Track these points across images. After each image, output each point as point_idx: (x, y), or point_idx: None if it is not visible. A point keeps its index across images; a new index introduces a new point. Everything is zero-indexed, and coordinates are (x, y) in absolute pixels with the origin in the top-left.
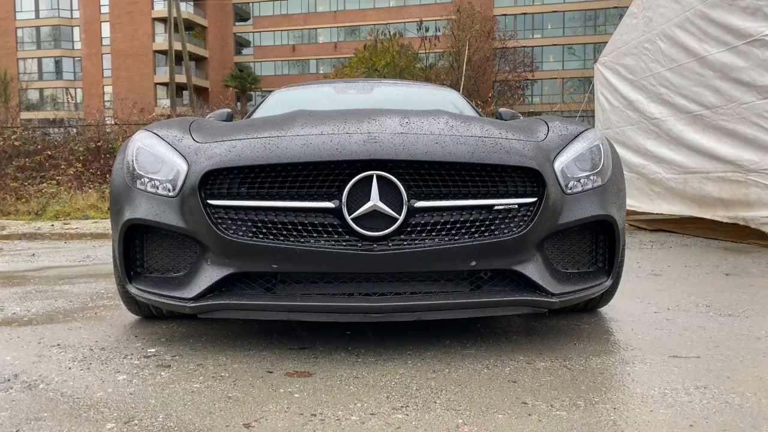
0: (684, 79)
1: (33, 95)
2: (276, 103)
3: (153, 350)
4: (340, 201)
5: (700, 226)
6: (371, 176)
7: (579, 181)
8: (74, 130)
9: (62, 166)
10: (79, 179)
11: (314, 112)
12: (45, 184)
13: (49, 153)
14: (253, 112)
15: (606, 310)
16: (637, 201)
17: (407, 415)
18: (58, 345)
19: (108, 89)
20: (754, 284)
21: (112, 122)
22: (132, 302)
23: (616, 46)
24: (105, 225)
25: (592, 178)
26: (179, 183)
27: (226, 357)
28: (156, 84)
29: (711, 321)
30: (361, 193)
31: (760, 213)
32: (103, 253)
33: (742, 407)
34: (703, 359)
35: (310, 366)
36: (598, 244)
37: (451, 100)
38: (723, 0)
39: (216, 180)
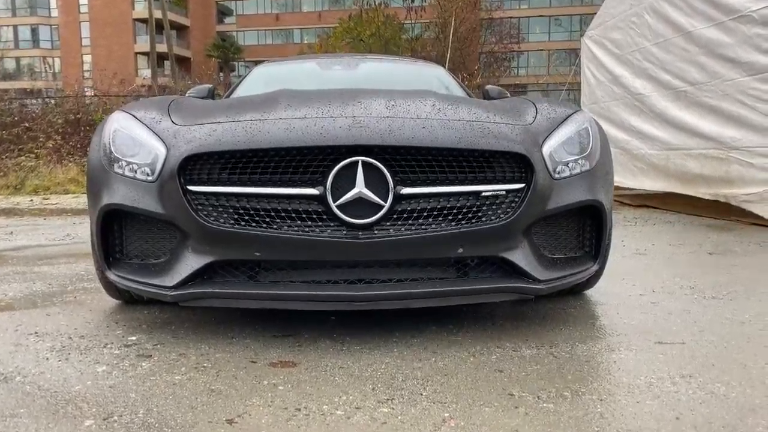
0: (669, 55)
1: (9, 64)
2: (258, 79)
3: (134, 338)
4: (325, 187)
5: (683, 203)
6: (356, 162)
7: (567, 165)
8: (53, 101)
9: (41, 139)
10: (59, 152)
11: (297, 92)
12: (23, 158)
13: (27, 125)
14: (234, 89)
15: (592, 292)
16: (621, 177)
17: (393, 408)
18: (36, 333)
19: (87, 58)
20: (737, 264)
21: (92, 93)
22: (112, 287)
23: (604, 20)
24: (86, 200)
25: (580, 162)
26: (158, 167)
27: (208, 346)
28: (136, 54)
29: (695, 304)
30: (346, 179)
31: (740, 190)
32: (84, 231)
33: (728, 397)
34: (688, 345)
35: (295, 355)
36: (585, 229)
37: (439, 77)
38: None
39: (196, 165)
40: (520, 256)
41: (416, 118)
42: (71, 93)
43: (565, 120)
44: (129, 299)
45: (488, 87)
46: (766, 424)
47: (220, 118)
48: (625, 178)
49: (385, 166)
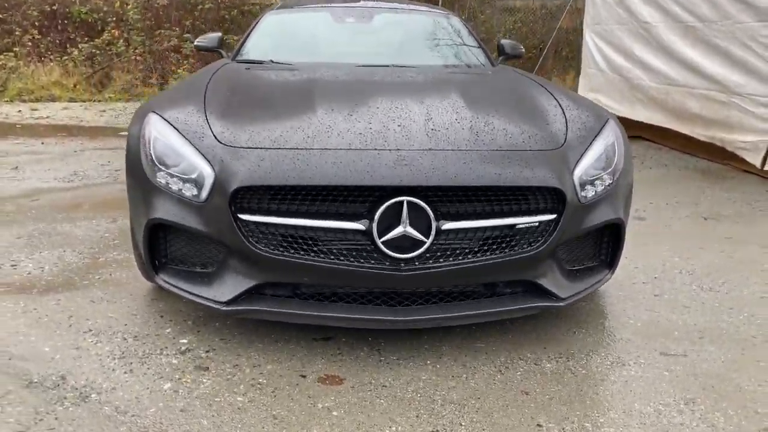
0: None
1: None
2: (269, 30)
3: (185, 341)
4: (371, 222)
5: (677, 138)
6: (402, 201)
7: (593, 183)
8: None
9: (17, 33)
10: (38, 48)
11: (333, 91)
12: (2, 56)
13: (0, 16)
14: (246, 40)
15: None
16: (618, 104)
17: None
18: (90, 330)
19: None
20: (731, 236)
21: None
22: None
23: None
24: (76, 113)
25: (605, 177)
26: (206, 190)
27: (257, 353)
28: None
29: (694, 299)
30: (390, 214)
31: (738, 137)
32: (89, 167)
33: (725, 430)
34: (690, 359)
35: (338, 367)
36: (603, 240)
37: (455, 30)
38: None
39: (246, 195)
40: (547, 279)
41: (456, 149)
42: None
43: (595, 137)
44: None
45: (503, 41)
46: None
47: (264, 138)
48: (622, 106)
49: (427, 204)
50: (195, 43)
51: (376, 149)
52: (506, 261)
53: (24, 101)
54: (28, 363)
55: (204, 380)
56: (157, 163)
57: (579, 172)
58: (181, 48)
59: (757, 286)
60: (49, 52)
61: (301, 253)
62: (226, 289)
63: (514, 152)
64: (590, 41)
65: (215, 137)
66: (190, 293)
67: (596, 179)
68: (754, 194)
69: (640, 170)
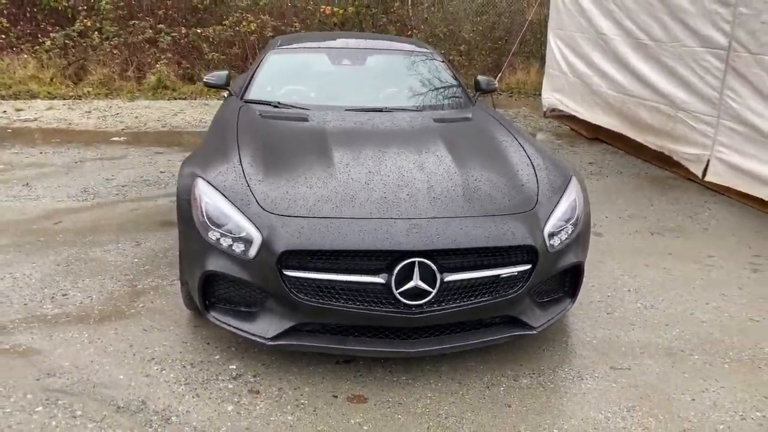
0: (635, 4)
1: None
2: (273, 69)
3: (233, 367)
4: (390, 277)
5: (632, 144)
6: (414, 262)
7: (559, 234)
8: None
9: None
10: (7, 37)
11: (348, 154)
12: None
13: None
14: (252, 77)
15: None
16: (579, 106)
17: None
18: (153, 359)
19: None
20: (672, 251)
21: None
22: (189, 301)
23: None
24: (62, 113)
25: (568, 228)
26: (254, 249)
27: (295, 377)
28: None
29: (639, 316)
30: (405, 270)
31: (682, 148)
32: (95, 182)
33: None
34: (632, 371)
35: (362, 388)
36: (567, 277)
37: (438, 69)
38: None
39: (290, 256)
40: (524, 314)
41: (454, 216)
42: None
43: (562, 194)
44: (198, 310)
45: (479, 78)
46: None
47: (300, 207)
48: (583, 109)
49: (433, 263)
50: (204, 80)
51: (392, 218)
52: (493, 303)
53: (2, 97)
54: (110, 390)
55: (258, 402)
56: (209, 224)
57: (548, 228)
58: (157, 41)
59: (688, 303)
60: (20, 41)
61: (334, 300)
62: (270, 326)
63: (498, 216)
64: (554, 44)
65: (259, 204)
66: (238, 329)
67: (562, 230)
68: (695, 205)
69: (598, 179)
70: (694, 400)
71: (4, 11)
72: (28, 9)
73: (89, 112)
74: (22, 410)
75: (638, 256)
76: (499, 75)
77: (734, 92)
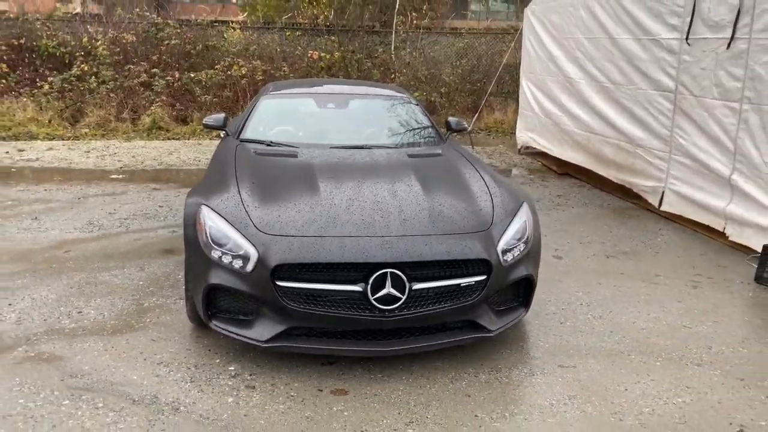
0: (597, 51)
1: None
2: (266, 112)
3: (232, 368)
4: (366, 285)
5: (598, 178)
6: (387, 272)
7: (512, 251)
8: None
9: None
10: (6, 81)
11: (332, 186)
12: None
13: None
14: (247, 119)
15: None
16: (550, 143)
17: (414, 429)
18: (162, 363)
19: None
20: (624, 272)
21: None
22: (193, 314)
23: None
24: (62, 153)
25: (520, 246)
26: (251, 264)
27: (285, 375)
28: None
29: (587, 324)
30: (378, 280)
31: (641, 181)
32: (99, 216)
33: (591, 414)
34: (577, 369)
35: (343, 383)
36: (521, 288)
37: (413, 112)
38: None
39: (282, 268)
40: (482, 318)
41: (420, 234)
42: (13, 14)
43: (513, 217)
44: (201, 323)
45: (450, 119)
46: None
47: (290, 228)
48: (553, 146)
49: (403, 273)
50: (204, 122)
51: (368, 236)
52: (454, 308)
53: (3, 138)
54: (126, 387)
55: (254, 395)
56: (212, 244)
57: (501, 245)
58: (152, 84)
59: (631, 314)
60: (19, 86)
61: (319, 306)
62: (264, 330)
63: (458, 234)
64: (526, 87)
65: (255, 226)
66: (237, 334)
67: (514, 248)
68: (650, 232)
69: (564, 209)
70: (627, 390)
71: (4, 57)
72: (27, 55)
73: (88, 151)
74: (51, 403)
75: (593, 275)
76: (476, 115)
77: (682, 130)
